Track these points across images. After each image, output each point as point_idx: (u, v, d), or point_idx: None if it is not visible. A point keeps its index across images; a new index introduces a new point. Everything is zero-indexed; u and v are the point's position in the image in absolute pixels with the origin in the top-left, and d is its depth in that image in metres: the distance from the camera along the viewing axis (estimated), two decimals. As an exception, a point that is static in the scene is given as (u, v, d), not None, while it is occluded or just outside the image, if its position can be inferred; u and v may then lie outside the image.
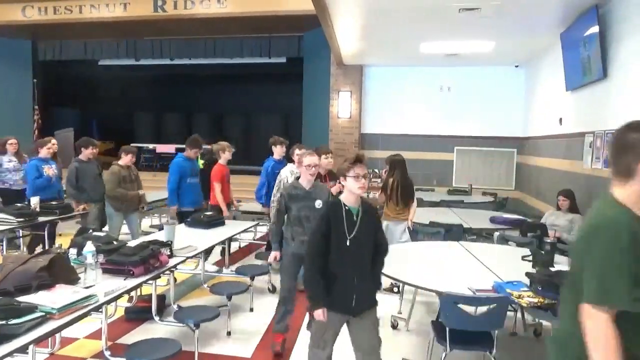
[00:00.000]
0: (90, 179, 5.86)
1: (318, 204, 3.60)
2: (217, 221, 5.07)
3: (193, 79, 15.38)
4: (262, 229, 7.26)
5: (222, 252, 5.93)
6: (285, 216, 3.76)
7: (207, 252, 5.87)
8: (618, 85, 4.97)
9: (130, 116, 16.98)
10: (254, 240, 7.26)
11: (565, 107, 6.73)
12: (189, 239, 4.19)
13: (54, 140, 6.19)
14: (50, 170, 5.89)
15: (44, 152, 5.90)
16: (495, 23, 6.14)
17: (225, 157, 5.96)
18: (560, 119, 6.89)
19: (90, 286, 2.82)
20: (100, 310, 2.78)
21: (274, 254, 3.83)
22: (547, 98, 7.79)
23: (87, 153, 5.90)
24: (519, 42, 7.33)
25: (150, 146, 14.15)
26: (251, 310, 4.60)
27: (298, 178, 3.79)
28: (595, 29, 5.20)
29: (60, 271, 2.80)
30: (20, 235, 5.81)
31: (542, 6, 5.52)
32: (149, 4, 9.75)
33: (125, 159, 5.88)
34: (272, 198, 5.02)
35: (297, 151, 4.99)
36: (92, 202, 5.86)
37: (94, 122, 16.18)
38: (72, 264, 3.12)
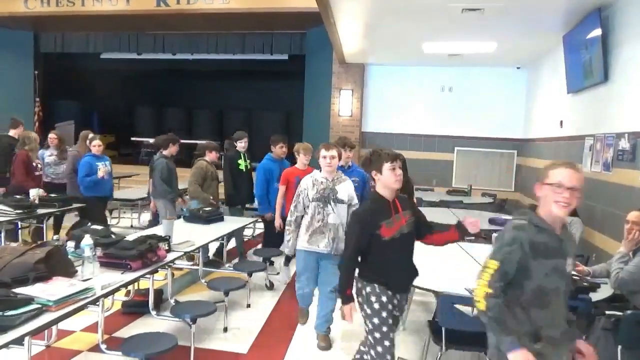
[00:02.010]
0: (174, 177, 5.82)
1: (569, 263, 2.02)
2: (216, 217, 5.07)
3: (194, 74, 15.35)
4: (260, 225, 7.26)
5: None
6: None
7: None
8: (619, 89, 4.96)
9: (131, 110, 16.95)
10: (253, 236, 7.26)
11: (566, 110, 6.73)
12: (187, 234, 4.19)
13: (96, 142, 5.98)
14: (104, 169, 5.89)
15: (95, 149, 5.91)
16: (498, 24, 6.13)
17: (300, 159, 4.96)
18: (561, 122, 6.88)
19: (88, 279, 2.82)
20: (97, 303, 2.78)
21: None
22: (548, 100, 7.79)
23: (172, 150, 5.84)
24: (521, 43, 7.32)
25: (151, 140, 14.13)
26: (248, 306, 4.60)
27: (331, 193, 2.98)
28: (597, 32, 5.20)
29: (57, 264, 2.80)
30: (20, 226, 5.81)
31: (545, 8, 5.50)
32: (152, -2, 9.74)
33: (212, 156, 5.75)
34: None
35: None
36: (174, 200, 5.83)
37: (95, 115, 16.15)
38: (69, 256, 3.13)
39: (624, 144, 4.69)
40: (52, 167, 6.71)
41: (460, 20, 5.95)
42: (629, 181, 4.56)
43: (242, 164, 5.82)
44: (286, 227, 3.79)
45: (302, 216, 3.73)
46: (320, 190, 3.64)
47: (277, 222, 4.89)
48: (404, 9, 5.74)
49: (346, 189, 3.71)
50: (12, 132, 6.38)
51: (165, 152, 5.82)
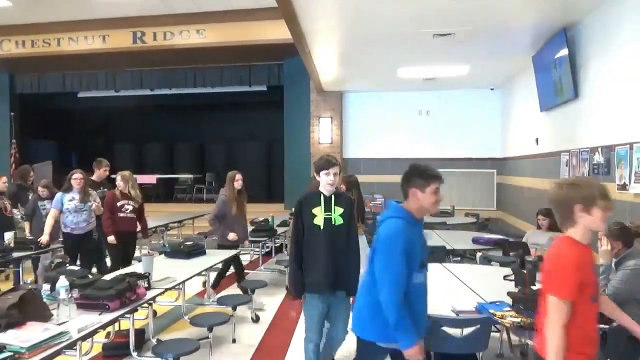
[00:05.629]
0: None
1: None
2: (197, 251, 4.98)
3: (174, 109, 15.32)
4: (245, 257, 7.16)
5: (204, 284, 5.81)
6: None
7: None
8: (589, 104, 5.10)
9: (110, 147, 16.77)
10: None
11: (541, 127, 6.87)
12: (168, 270, 4.10)
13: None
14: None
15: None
16: (469, 47, 6.29)
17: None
18: (537, 139, 7.02)
19: (63, 322, 2.72)
20: (74, 347, 2.67)
21: None
22: (522, 119, 7.95)
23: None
24: (492, 65, 7.51)
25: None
26: (234, 341, 4.48)
27: None
28: (564, 51, 5.36)
29: (31, 308, 2.69)
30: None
31: (512, 31, 5.68)
32: (128, 36, 9.79)
33: None
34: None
35: None
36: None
37: (74, 154, 15.97)
38: (45, 300, 3.02)
39: (599, 157, 4.78)
40: (73, 214, 5.37)
41: (432, 46, 6.10)
42: (605, 194, 4.62)
43: (320, 214, 3.11)
44: None
45: None
46: None
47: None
48: (377, 36, 5.87)
49: None
50: (95, 177, 6.14)
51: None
